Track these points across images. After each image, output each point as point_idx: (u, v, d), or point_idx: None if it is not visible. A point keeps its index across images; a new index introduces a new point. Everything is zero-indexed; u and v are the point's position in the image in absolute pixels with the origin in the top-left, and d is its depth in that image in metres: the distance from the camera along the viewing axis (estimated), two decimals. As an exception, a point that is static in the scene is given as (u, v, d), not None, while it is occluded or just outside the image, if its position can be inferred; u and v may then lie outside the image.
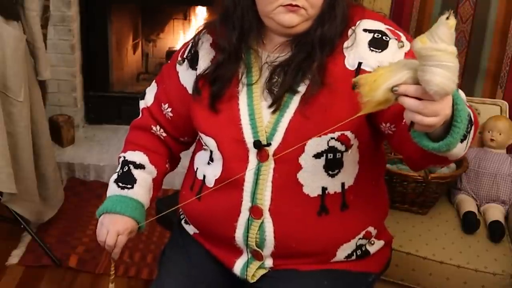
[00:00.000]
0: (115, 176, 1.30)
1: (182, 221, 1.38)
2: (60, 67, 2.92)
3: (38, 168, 2.25)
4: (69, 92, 3.01)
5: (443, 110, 0.83)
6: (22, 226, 2.23)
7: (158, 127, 1.33)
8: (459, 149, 0.92)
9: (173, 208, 1.25)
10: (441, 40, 0.79)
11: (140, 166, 1.30)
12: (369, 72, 1.08)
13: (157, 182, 1.33)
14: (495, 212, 1.79)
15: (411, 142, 0.95)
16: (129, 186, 1.27)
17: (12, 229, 2.34)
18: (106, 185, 1.33)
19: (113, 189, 1.28)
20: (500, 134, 1.90)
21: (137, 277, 2.17)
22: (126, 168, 1.29)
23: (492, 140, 1.90)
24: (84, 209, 2.55)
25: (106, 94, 3.15)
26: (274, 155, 1.14)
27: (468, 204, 1.83)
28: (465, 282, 1.61)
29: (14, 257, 2.24)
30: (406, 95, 0.83)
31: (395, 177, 1.78)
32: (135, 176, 1.28)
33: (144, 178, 1.30)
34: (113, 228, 1.21)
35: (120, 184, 1.27)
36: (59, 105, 3.02)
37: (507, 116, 2.02)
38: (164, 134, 1.34)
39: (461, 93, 0.96)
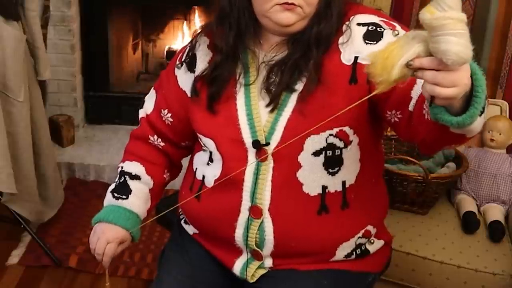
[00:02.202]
0: (112, 186, 1.33)
1: (182, 221, 1.38)
2: (60, 67, 2.92)
3: (38, 168, 2.25)
4: (69, 92, 3.01)
5: (461, 80, 0.80)
6: (22, 226, 2.23)
7: (155, 137, 1.34)
8: (478, 124, 0.89)
9: (173, 208, 1.26)
10: (450, 8, 0.76)
11: (136, 177, 1.32)
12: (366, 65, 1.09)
13: (154, 193, 1.35)
14: (495, 212, 1.79)
15: (425, 124, 0.94)
16: (124, 196, 1.30)
17: (12, 229, 2.34)
18: (106, 185, 1.35)
19: (109, 199, 1.31)
20: (500, 134, 1.90)
21: (137, 277, 2.17)
22: (123, 179, 1.32)
23: (492, 140, 1.90)
24: (84, 209, 2.55)
25: (106, 94, 3.16)
26: (273, 154, 1.14)
27: (468, 204, 1.83)
28: (465, 282, 1.61)
29: (14, 257, 2.24)
30: (422, 68, 0.81)
31: (395, 177, 1.77)
32: (130, 186, 1.31)
33: (140, 189, 1.32)
34: (103, 237, 1.25)
35: (116, 195, 1.30)
36: (59, 105, 3.03)
37: (507, 116, 2.02)
38: (162, 144, 1.35)
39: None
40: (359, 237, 1.22)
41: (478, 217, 1.77)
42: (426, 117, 0.94)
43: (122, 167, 1.34)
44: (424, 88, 0.83)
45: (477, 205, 1.85)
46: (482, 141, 1.95)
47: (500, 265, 1.61)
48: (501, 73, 2.17)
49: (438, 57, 0.78)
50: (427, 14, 0.77)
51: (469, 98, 0.85)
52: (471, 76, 0.83)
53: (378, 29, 1.12)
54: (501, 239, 1.71)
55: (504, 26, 2.14)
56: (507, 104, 2.04)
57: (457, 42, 0.76)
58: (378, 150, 1.27)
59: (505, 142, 1.92)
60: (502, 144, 1.91)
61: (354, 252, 1.23)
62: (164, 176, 1.38)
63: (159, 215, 1.33)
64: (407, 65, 0.81)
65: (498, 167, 1.85)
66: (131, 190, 1.30)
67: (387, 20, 1.14)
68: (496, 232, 1.71)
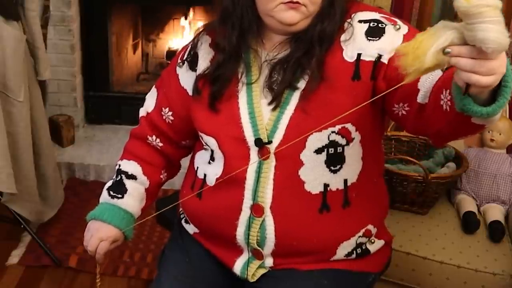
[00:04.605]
0: (109, 183, 1.34)
1: (182, 221, 1.38)
2: (60, 67, 2.92)
3: (38, 168, 2.25)
4: (69, 92, 3.01)
5: (499, 68, 0.79)
6: (22, 226, 2.23)
7: (154, 137, 1.34)
8: (500, 113, 0.89)
9: (174, 205, 1.27)
10: None
11: (132, 177, 1.33)
12: (370, 61, 1.09)
13: (150, 192, 1.36)
14: (495, 212, 1.79)
15: (443, 115, 0.93)
16: (119, 195, 1.31)
17: (12, 229, 2.34)
18: None
19: (104, 197, 1.33)
20: (500, 134, 1.90)
21: (137, 277, 2.17)
22: (119, 178, 1.33)
23: (492, 140, 1.90)
24: (84, 209, 2.54)
25: (106, 94, 3.16)
26: (275, 152, 1.14)
27: (468, 204, 1.83)
28: (465, 282, 1.61)
29: (14, 257, 2.24)
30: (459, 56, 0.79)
31: (395, 177, 1.77)
32: (126, 186, 1.32)
33: (135, 188, 1.33)
34: (96, 235, 1.27)
35: (111, 193, 1.32)
36: (59, 105, 3.03)
37: (507, 116, 2.02)
38: (160, 144, 1.35)
39: None
40: (359, 236, 1.22)
41: (478, 217, 1.77)
42: (445, 108, 0.93)
43: (119, 165, 1.35)
44: (459, 76, 0.81)
45: (477, 205, 1.85)
46: (482, 141, 1.95)
47: (500, 265, 1.61)
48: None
49: (477, 45, 0.76)
50: (463, 2, 0.75)
51: (495, 87, 0.83)
52: None
53: (379, 25, 1.12)
54: (501, 239, 1.71)
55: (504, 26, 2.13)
56: (507, 104, 2.03)
57: (495, 29, 0.75)
58: (379, 149, 1.28)
59: (505, 142, 1.92)
60: (502, 144, 1.91)
61: (354, 251, 1.23)
62: (161, 176, 1.38)
63: (158, 212, 1.35)
64: (445, 52, 0.79)
65: (498, 167, 1.85)
66: (126, 189, 1.32)
67: (388, 16, 1.15)
68: (496, 232, 1.71)
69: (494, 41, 0.75)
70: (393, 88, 0.96)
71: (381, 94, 1.01)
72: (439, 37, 0.80)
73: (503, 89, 0.83)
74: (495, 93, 0.84)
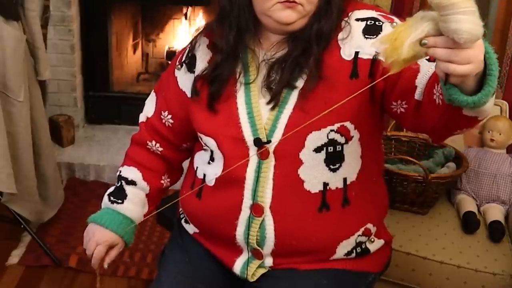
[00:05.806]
0: (111, 189, 1.36)
1: (182, 221, 1.38)
2: (60, 67, 2.92)
3: (38, 168, 2.25)
4: (69, 92, 3.01)
5: (476, 57, 0.80)
6: (22, 226, 2.23)
7: (153, 143, 1.35)
8: (490, 104, 0.89)
9: (172, 203, 1.27)
10: None
11: (132, 183, 1.34)
12: (367, 59, 1.09)
13: (151, 198, 1.37)
14: (495, 212, 1.79)
15: (436, 109, 0.94)
16: (119, 201, 1.32)
17: (12, 229, 2.34)
18: (106, 185, 1.37)
19: (105, 202, 1.34)
20: (500, 134, 1.90)
21: (137, 277, 2.17)
22: (119, 184, 1.34)
23: (492, 140, 1.90)
24: (84, 209, 2.55)
25: (106, 94, 3.16)
26: (274, 152, 1.14)
27: (468, 204, 1.83)
28: (465, 282, 1.61)
29: (14, 257, 2.24)
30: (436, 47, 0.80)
31: (395, 177, 1.77)
32: (126, 191, 1.33)
33: (135, 194, 1.33)
34: (93, 238, 1.29)
35: (112, 198, 1.33)
36: (59, 105, 3.03)
37: (507, 116, 2.02)
38: (160, 149, 1.35)
39: None
40: (359, 235, 1.22)
41: (478, 217, 1.77)
42: (437, 102, 0.94)
43: (120, 171, 1.36)
44: (438, 66, 0.82)
45: (477, 205, 1.85)
46: (482, 141, 1.96)
47: (500, 265, 1.61)
48: (501, 73, 2.17)
49: (450, 36, 0.78)
50: None
51: (481, 78, 0.85)
52: (484, 54, 0.83)
53: (376, 23, 1.12)
54: (501, 239, 1.71)
55: (504, 26, 2.14)
56: (507, 104, 2.04)
57: (467, 20, 0.76)
58: (378, 148, 1.28)
59: (505, 142, 1.92)
60: (502, 144, 1.91)
61: (354, 251, 1.23)
62: (162, 182, 1.38)
63: (157, 211, 1.36)
64: (422, 44, 0.81)
65: (498, 167, 1.85)
66: (126, 195, 1.32)
67: (385, 14, 1.15)
68: (496, 232, 1.71)
69: (466, 31, 0.76)
70: (379, 80, 0.99)
71: (368, 86, 1.02)
72: (416, 28, 0.81)
73: (488, 78, 0.84)
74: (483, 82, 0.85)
